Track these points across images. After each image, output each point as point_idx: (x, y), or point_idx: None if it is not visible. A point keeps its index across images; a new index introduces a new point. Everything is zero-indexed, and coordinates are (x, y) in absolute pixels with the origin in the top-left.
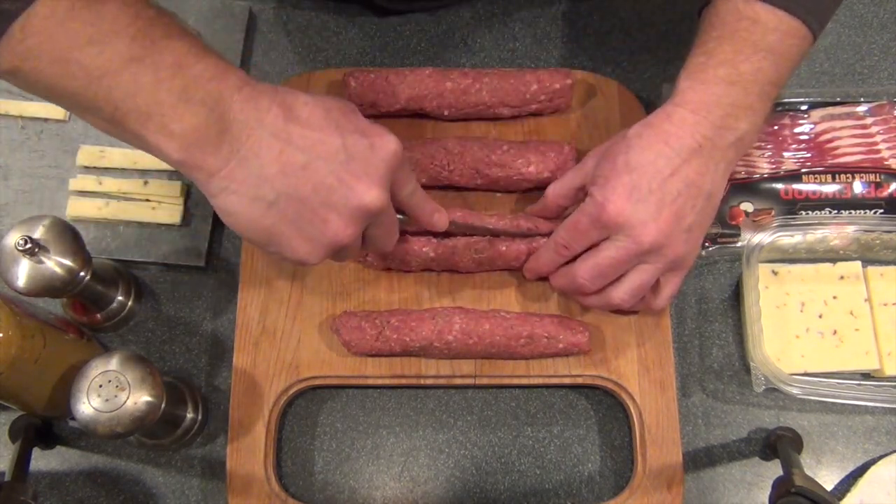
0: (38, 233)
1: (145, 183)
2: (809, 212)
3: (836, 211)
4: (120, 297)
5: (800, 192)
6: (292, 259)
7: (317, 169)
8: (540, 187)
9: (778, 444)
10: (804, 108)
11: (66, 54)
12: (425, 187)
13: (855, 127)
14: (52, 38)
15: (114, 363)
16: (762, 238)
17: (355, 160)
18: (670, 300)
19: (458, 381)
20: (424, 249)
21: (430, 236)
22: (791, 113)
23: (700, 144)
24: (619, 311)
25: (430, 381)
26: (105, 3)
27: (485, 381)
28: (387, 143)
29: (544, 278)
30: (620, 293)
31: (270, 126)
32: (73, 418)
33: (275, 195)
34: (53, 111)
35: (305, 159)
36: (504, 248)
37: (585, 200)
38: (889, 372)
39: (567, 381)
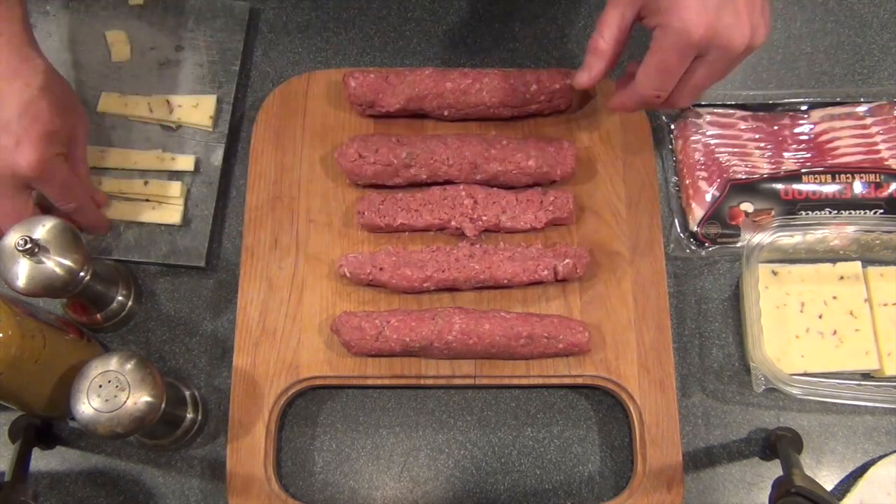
0: (38, 233)
1: (145, 183)
2: (809, 212)
3: (836, 211)
4: (120, 298)
5: (800, 193)
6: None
7: None
8: (539, 182)
9: (778, 444)
10: (804, 108)
11: None
12: (425, 183)
13: (855, 127)
14: None
15: (114, 363)
16: (762, 238)
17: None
18: None
19: (458, 382)
20: (425, 285)
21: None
22: (791, 113)
23: None
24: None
25: (430, 382)
26: None
27: (485, 381)
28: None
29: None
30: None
31: None
32: (73, 418)
33: None
34: None
35: None
36: (506, 281)
37: (657, 36)
38: (889, 372)
39: (567, 381)
